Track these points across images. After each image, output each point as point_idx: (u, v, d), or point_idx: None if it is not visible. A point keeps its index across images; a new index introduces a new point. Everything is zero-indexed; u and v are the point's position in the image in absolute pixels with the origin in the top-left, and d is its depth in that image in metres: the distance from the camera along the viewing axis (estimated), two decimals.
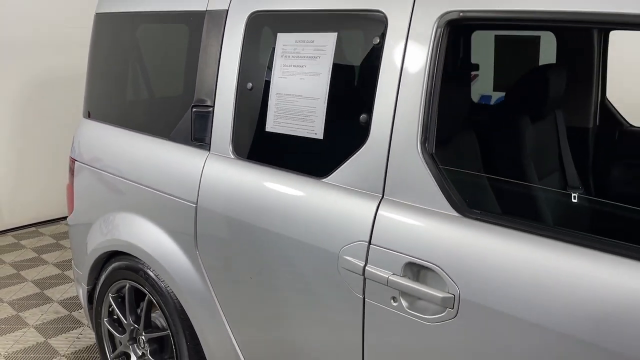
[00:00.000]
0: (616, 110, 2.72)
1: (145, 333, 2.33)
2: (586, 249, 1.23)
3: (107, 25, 2.52)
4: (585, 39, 2.65)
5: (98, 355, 2.91)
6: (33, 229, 4.85)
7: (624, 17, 1.19)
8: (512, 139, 2.31)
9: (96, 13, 2.58)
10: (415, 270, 1.45)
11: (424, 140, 1.47)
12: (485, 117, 2.59)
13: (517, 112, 2.36)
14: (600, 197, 2.71)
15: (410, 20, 1.49)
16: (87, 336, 3.14)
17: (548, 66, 2.46)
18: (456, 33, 2.77)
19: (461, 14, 1.40)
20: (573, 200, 2.12)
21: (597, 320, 1.18)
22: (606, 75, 2.70)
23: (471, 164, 2.03)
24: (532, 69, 2.39)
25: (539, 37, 2.85)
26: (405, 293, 1.46)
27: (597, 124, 2.73)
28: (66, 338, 3.14)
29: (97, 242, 2.43)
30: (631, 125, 2.70)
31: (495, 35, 2.99)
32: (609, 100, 2.73)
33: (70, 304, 3.52)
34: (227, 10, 1.94)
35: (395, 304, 1.48)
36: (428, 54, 1.45)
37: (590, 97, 2.69)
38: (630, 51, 3.53)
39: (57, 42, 4.70)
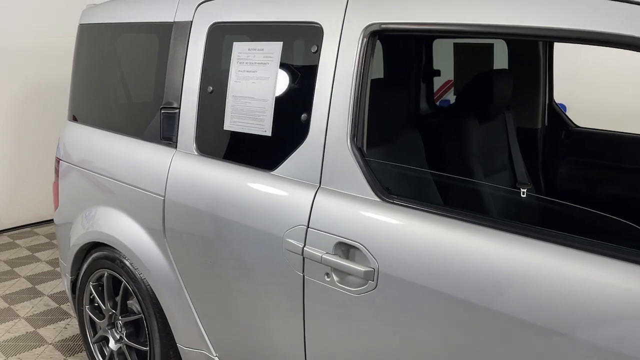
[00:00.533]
0: (562, 112, 2.93)
1: (121, 317, 2.53)
2: (484, 228, 1.43)
3: (89, 36, 2.74)
4: (532, 47, 2.86)
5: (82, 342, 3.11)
6: (28, 229, 5.07)
7: (512, 29, 1.39)
8: (459, 138, 2.52)
9: (79, 24, 2.80)
10: (345, 248, 1.65)
11: (353, 136, 1.67)
12: (436, 117, 2.80)
13: (465, 114, 2.58)
14: (549, 192, 2.91)
15: (342, 31, 1.70)
16: (73, 326, 3.35)
17: (494, 71, 2.67)
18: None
19: (382, 25, 1.62)
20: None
21: (491, 287, 1.38)
22: (552, 80, 2.91)
23: (414, 160, 2.24)
24: (478, 74, 2.59)
25: (492, 45, 3.06)
26: (336, 269, 1.66)
27: (545, 124, 2.93)
28: (54, 328, 3.34)
29: (78, 235, 2.64)
30: (576, 126, 2.91)
31: (454, 43, 3.20)
32: (556, 103, 2.94)
33: (59, 297, 3.73)
34: (191, 22, 2.16)
35: (328, 279, 1.69)
36: (355, 60, 1.66)
37: (538, 99, 2.90)
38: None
39: (51, 49, 4.92)
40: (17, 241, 4.78)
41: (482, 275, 1.39)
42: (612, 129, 2.83)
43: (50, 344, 3.17)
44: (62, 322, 3.41)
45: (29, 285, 3.92)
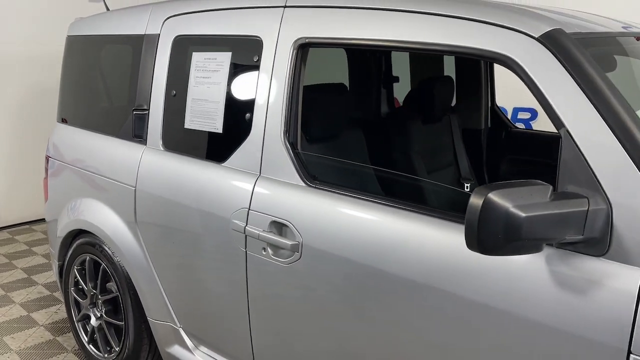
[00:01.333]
0: (503, 114, 3.23)
1: (101, 296, 2.84)
2: (386, 207, 1.73)
3: (76, 46, 3.06)
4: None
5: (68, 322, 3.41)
6: (27, 226, 5.39)
7: (396, 43, 1.70)
8: (403, 137, 2.82)
9: (67, 35, 3.12)
10: (278, 226, 1.96)
11: (286, 132, 1.98)
12: (384, 118, 3.10)
13: (410, 116, 2.88)
14: None
15: (277, 44, 2.01)
16: (63, 311, 3.66)
17: (435, 78, 2.97)
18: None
19: (307, 39, 1.93)
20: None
21: (386, 253, 1.68)
22: (494, 86, 3.21)
23: (356, 155, 2.53)
24: (420, 81, 2.90)
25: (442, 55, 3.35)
26: (270, 244, 1.97)
27: (488, 125, 3.23)
28: (46, 312, 3.65)
29: (64, 224, 2.96)
30: (515, 127, 3.20)
31: (410, 53, 3.49)
32: (497, 106, 3.24)
33: (52, 286, 4.04)
34: (159, 35, 2.48)
35: (264, 253, 1.99)
36: (287, 68, 1.97)
37: (481, 103, 3.20)
38: None
39: (50, 58, 5.26)
40: (16, 237, 5.10)
41: (381, 244, 1.69)
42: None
43: (42, 325, 3.48)
44: (53, 307, 3.73)
45: (25, 275, 4.24)
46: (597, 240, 1.32)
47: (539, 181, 1.32)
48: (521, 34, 1.48)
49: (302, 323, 1.94)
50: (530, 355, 1.41)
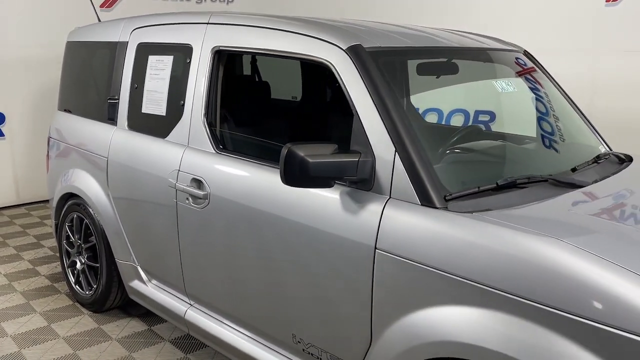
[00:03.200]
0: (417, 113, 3.92)
1: (84, 245, 3.62)
2: (259, 164, 2.46)
3: (73, 50, 3.86)
4: None
5: (62, 270, 4.20)
6: (42, 204, 6.23)
7: (272, 50, 2.43)
8: (327, 127, 3.55)
9: (67, 41, 3.93)
10: (196, 182, 2.70)
11: (205, 114, 2.72)
12: (316, 110, 3.84)
13: (337, 110, 3.61)
14: None
15: (201, 50, 2.76)
16: None
17: None
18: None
19: (221, 47, 2.67)
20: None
21: (261, 196, 2.40)
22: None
23: (276, 136, 3.26)
24: None
25: None
26: (191, 195, 2.71)
27: None
28: (48, 267, 4.46)
29: (59, 189, 3.75)
30: (426, 122, 3.90)
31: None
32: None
33: (56, 249, 4.85)
34: (128, 42, 3.26)
35: (187, 202, 2.74)
36: (207, 68, 2.72)
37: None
38: None
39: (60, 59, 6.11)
40: (32, 212, 5.95)
41: (255, 190, 2.42)
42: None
43: (43, 275, 4.29)
44: (54, 263, 4.53)
45: (35, 240, 5.06)
46: (367, 180, 2.04)
47: (330, 142, 2.03)
48: (336, 47, 2.20)
49: (212, 252, 2.68)
50: (323, 252, 2.12)
